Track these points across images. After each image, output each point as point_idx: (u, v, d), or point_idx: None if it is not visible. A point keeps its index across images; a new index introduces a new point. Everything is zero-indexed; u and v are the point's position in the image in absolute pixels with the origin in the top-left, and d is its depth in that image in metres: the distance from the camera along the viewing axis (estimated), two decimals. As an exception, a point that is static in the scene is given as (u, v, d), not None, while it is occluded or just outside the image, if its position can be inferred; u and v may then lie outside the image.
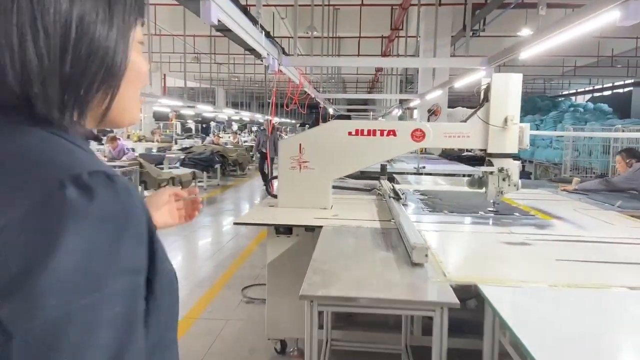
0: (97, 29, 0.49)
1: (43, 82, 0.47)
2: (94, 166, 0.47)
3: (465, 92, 21.93)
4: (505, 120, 2.60)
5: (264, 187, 9.27)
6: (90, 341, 0.42)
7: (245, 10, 2.52)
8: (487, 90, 2.66)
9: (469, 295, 2.01)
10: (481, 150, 2.72)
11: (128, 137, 11.28)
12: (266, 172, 9.34)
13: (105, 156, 7.62)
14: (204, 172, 9.31)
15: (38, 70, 0.46)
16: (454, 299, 1.37)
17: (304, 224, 2.46)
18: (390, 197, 2.97)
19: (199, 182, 8.97)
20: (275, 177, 2.98)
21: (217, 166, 9.81)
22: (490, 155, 2.67)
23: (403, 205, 2.84)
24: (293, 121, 25.61)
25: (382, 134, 2.79)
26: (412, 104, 9.68)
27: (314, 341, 1.49)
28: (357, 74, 16.54)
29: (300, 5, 7.48)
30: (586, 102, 17.65)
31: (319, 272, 1.60)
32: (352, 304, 1.43)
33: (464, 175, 5.29)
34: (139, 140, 11.42)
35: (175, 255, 5.01)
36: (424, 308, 1.40)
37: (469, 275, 1.60)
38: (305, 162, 2.86)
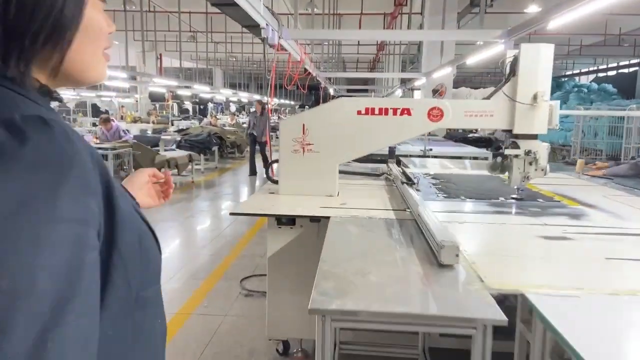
0: None
1: None
2: (30, 111, 0.46)
3: (468, 72, 21.50)
4: (535, 97, 2.32)
5: (249, 174, 8.90)
6: (27, 289, 0.39)
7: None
8: (514, 63, 2.37)
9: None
10: (505, 130, 2.44)
11: (122, 117, 10.94)
12: (264, 156, 8.98)
13: (97, 138, 7.31)
14: (201, 155, 9.01)
15: None
16: (499, 315, 1.11)
17: (308, 214, 2.19)
18: (402, 182, 2.70)
19: (196, 164, 8.68)
20: (275, 161, 2.70)
21: (215, 148, 9.51)
22: (516, 136, 2.39)
23: (416, 190, 2.57)
24: (292, 102, 25.07)
25: (395, 113, 2.50)
26: (415, 84, 9.33)
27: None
28: (357, 53, 16.09)
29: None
30: (590, 82, 17.28)
31: (330, 277, 1.33)
32: (374, 320, 1.17)
33: (472, 158, 5.03)
34: (134, 121, 11.07)
35: (170, 243, 4.76)
36: (462, 325, 1.15)
37: (511, 280, 1.34)
38: (309, 144, 2.58)
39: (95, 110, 14.04)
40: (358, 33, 3.34)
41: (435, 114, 2.48)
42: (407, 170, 3.28)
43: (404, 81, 11.53)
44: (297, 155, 2.59)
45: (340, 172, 3.10)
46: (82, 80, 0.57)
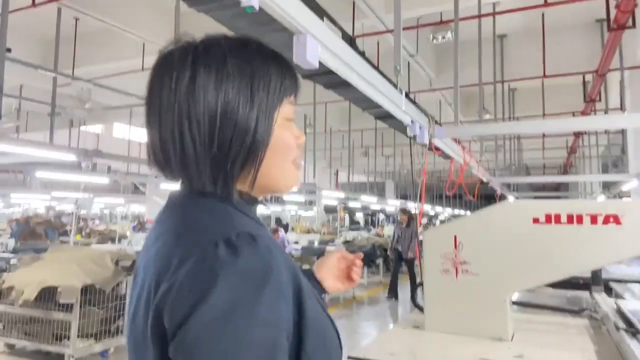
0: (239, 114, 0.60)
1: (197, 164, 0.60)
2: (242, 228, 0.57)
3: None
4: None
5: (387, 295, 7.32)
6: None
7: (367, 59, 1.90)
8: None
9: None
10: None
11: (292, 229, 11.55)
12: (411, 275, 7.76)
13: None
14: (365, 267, 8.62)
15: (193, 154, 0.59)
16: None
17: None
18: (617, 327, 1.76)
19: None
20: (421, 284, 2.09)
21: (379, 261, 9.04)
22: None
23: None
24: (461, 212, 23.19)
25: (594, 222, 1.70)
26: (623, 189, 7.58)
27: None
28: (543, 158, 14.46)
29: (466, 86, 6.75)
30: None
31: None
32: None
33: None
34: (307, 232, 11.57)
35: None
36: None
37: None
38: (464, 263, 1.91)
39: (278, 222, 15.39)
40: (535, 124, 2.69)
41: (666, 223, 1.60)
42: (625, 306, 2.23)
43: (606, 186, 9.62)
44: (448, 277, 1.94)
45: (516, 302, 2.28)
46: (276, 189, 0.68)
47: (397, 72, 2.34)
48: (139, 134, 9.64)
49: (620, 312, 2.02)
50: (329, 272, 0.93)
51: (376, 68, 2.21)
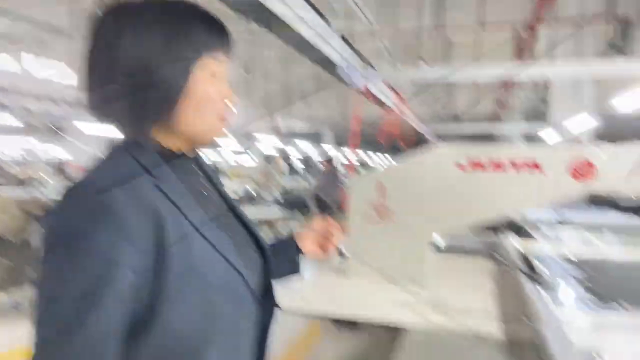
0: (156, 63, 0.64)
1: (120, 108, 0.65)
2: (104, 173, 0.64)
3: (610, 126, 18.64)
4: None
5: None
6: (47, 309, 0.56)
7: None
8: None
9: None
10: None
11: (227, 176, 11.28)
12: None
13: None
14: (301, 214, 8.65)
15: (115, 99, 0.65)
16: None
17: (377, 319, 1.47)
18: (519, 270, 1.83)
19: (296, 224, 8.31)
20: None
21: (314, 208, 9.10)
22: None
23: (543, 287, 1.67)
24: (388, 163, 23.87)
25: (515, 168, 1.71)
26: (542, 135, 8.05)
27: None
28: (474, 109, 15.00)
29: (405, 34, 6.65)
30: None
31: None
32: None
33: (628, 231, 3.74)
34: (240, 177, 11.35)
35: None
36: None
37: None
38: (389, 210, 1.89)
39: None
40: (468, 70, 2.67)
41: (582, 171, 1.64)
42: (532, 247, 2.34)
43: (530, 139, 10.18)
44: (372, 224, 1.91)
45: (438, 248, 2.33)
46: (199, 140, 0.71)
47: (332, 9, 2.17)
48: (54, 71, 8.58)
49: (523, 257, 2.11)
50: (308, 236, 0.91)
51: (312, 6, 2.03)
